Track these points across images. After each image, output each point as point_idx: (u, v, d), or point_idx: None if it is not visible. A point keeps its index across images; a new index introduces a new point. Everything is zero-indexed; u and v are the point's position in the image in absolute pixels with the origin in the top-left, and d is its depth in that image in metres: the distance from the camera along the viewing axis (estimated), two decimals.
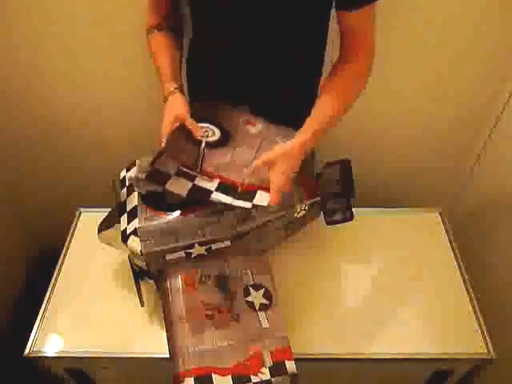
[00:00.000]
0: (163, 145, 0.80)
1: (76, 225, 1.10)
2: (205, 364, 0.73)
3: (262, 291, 0.83)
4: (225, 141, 0.87)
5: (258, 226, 0.84)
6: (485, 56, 1.11)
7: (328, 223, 0.96)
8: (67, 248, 1.05)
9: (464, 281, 0.99)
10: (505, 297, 1.16)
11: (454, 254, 1.04)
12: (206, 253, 0.82)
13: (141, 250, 0.78)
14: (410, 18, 1.04)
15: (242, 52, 0.88)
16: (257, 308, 0.80)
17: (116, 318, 0.92)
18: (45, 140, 1.34)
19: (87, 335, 0.90)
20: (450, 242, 1.06)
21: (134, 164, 0.91)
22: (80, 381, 0.99)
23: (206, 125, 0.88)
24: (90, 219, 1.07)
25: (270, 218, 0.85)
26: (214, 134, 0.87)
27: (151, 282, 0.86)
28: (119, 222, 0.83)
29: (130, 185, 0.87)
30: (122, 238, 0.81)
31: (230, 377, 0.72)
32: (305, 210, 0.92)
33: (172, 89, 0.84)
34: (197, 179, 0.79)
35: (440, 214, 1.12)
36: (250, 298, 0.81)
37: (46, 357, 0.88)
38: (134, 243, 0.79)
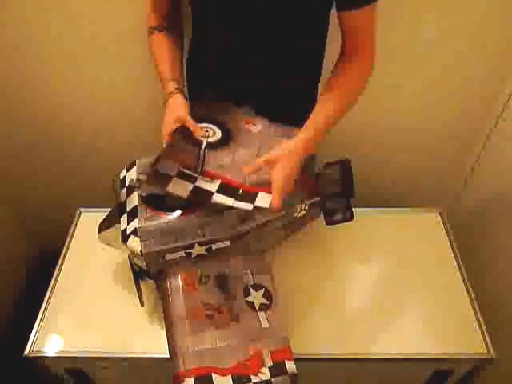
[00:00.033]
0: (164, 146, 0.80)
1: (76, 225, 1.09)
2: (205, 364, 0.73)
3: (261, 291, 0.83)
4: (226, 141, 0.86)
5: (258, 226, 0.84)
6: (485, 56, 1.11)
7: (328, 223, 0.96)
8: (67, 248, 1.05)
9: (464, 281, 0.99)
10: (505, 297, 1.16)
11: (454, 254, 1.04)
12: (206, 253, 0.82)
13: (141, 250, 0.78)
14: (410, 19, 1.04)
15: (242, 52, 0.88)
16: (257, 308, 0.80)
17: (116, 318, 0.92)
18: (45, 140, 1.34)
19: (87, 335, 0.90)
20: (450, 242, 1.06)
21: (134, 164, 0.91)
22: (80, 381, 0.99)
23: (207, 125, 0.87)
24: (90, 219, 1.07)
25: (270, 217, 0.85)
26: (215, 134, 0.87)
27: (151, 281, 0.86)
28: (119, 222, 0.83)
29: (130, 185, 0.87)
30: (122, 237, 0.81)
31: (229, 377, 0.72)
32: (305, 209, 0.92)
33: (172, 89, 0.84)
34: (198, 181, 0.78)
35: (440, 213, 1.12)
36: (250, 298, 0.81)
37: (46, 357, 0.88)
38: (134, 243, 0.79)
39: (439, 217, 1.12)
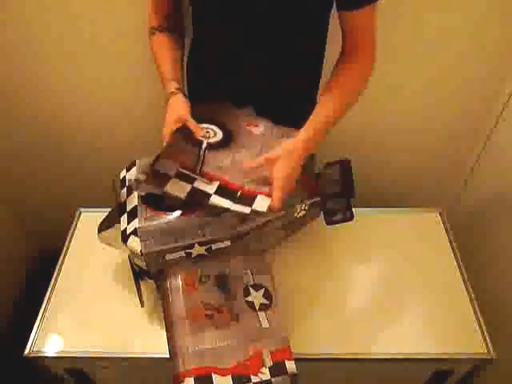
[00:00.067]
0: (164, 145, 0.80)
1: (76, 225, 1.09)
2: (205, 364, 0.73)
3: (262, 291, 0.83)
4: (226, 142, 0.86)
5: (258, 226, 0.84)
6: (485, 56, 1.11)
7: (328, 223, 0.96)
8: (67, 248, 1.05)
9: (464, 281, 0.99)
10: (505, 297, 1.16)
11: (454, 254, 1.04)
12: (206, 253, 0.82)
13: (141, 250, 0.78)
14: (410, 19, 1.04)
15: (242, 52, 0.88)
16: (257, 308, 0.80)
17: (116, 318, 0.92)
18: (45, 140, 1.34)
19: (87, 335, 0.90)
20: (450, 242, 1.06)
21: (134, 164, 0.91)
22: (80, 381, 0.99)
23: (208, 125, 0.87)
24: (90, 219, 1.07)
25: (270, 217, 0.85)
26: (216, 134, 0.86)
27: (151, 281, 0.86)
28: (119, 222, 0.83)
29: (130, 184, 0.87)
30: (122, 237, 0.81)
31: (229, 377, 0.72)
32: (305, 209, 0.92)
33: (173, 89, 0.84)
34: (196, 182, 0.78)
35: (440, 213, 1.12)
36: (250, 298, 0.81)
37: (46, 357, 0.88)
38: (134, 243, 0.79)
39: (439, 217, 1.12)
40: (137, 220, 0.80)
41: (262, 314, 0.79)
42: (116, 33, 1.08)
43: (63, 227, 1.10)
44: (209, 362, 0.73)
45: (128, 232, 0.80)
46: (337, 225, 0.96)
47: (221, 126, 0.88)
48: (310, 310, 0.93)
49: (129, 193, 0.86)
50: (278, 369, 0.73)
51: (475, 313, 0.93)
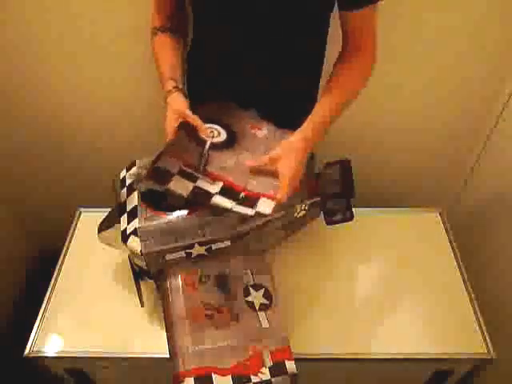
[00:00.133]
0: (167, 143, 0.80)
1: (76, 225, 1.10)
2: (205, 364, 0.73)
3: (262, 291, 0.83)
4: (230, 143, 0.85)
5: (258, 226, 0.84)
6: (485, 56, 1.11)
7: (328, 223, 0.96)
8: (67, 248, 1.05)
9: (464, 281, 0.99)
10: (505, 297, 1.16)
11: (454, 254, 1.04)
12: (206, 253, 0.82)
13: (141, 250, 0.78)
14: (410, 19, 1.04)
15: (242, 52, 0.88)
16: (257, 308, 0.80)
17: (116, 318, 0.92)
18: (45, 140, 1.34)
19: (87, 335, 0.90)
20: (450, 242, 1.06)
21: (134, 164, 0.91)
22: (80, 381, 0.99)
23: (212, 125, 0.86)
24: (90, 219, 1.07)
25: (270, 218, 0.85)
26: (220, 135, 0.86)
27: (151, 281, 0.86)
28: (119, 222, 0.83)
29: (130, 185, 0.87)
30: (122, 237, 0.81)
31: (229, 377, 0.72)
32: (305, 209, 0.92)
33: (170, 88, 0.84)
34: (199, 181, 0.77)
35: (440, 213, 1.12)
36: (250, 298, 0.81)
37: (46, 357, 0.88)
38: (134, 243, 0.79)
39: (439, 217, 1.12)
40: (137, 220, 0.80)
41: (261, 314, 0.79)
42: (116, 33, 1.08)
43: (63, 227, 1.10)
44: (209, 362, 0.73)
45: (128, 232, 0.80)
46: (337, 225, 0.96)
47: (225, 127, 0.87)
48: (310, 309, 0.93)
49: (129, 193, 0.86)
50: (277, 369, 0.74)
51: (475, 313, 0.93)
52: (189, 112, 0.80)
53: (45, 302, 0.95)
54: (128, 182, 0.88)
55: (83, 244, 1.05)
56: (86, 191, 1.42)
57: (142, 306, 0.89)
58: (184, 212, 0.80)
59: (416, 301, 0.96)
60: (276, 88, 0.92)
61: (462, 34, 1.07)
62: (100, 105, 1.25)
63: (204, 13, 0.87)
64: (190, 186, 0.76)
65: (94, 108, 1.26)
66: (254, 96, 0.91)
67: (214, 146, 0.83)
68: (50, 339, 0.90)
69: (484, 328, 0.91)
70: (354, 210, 0.95)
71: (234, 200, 0.76)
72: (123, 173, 0.91)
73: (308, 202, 0.91)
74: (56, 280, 0.99)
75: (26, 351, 0.88)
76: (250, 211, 0.75)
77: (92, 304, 0.94)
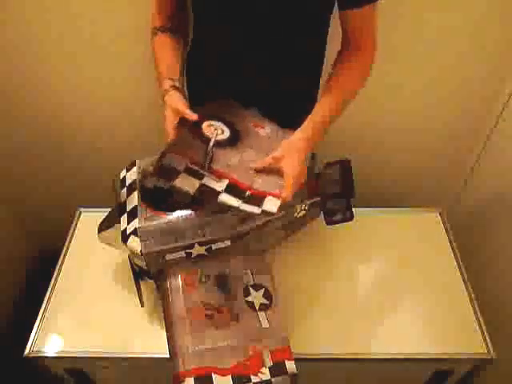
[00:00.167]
0: (169, 142, 0.79)
1: (76, 225, 1.10)
2: (205, 364, 0.73)
3: (262, 291, 0.83)
4: (234, 141, 0.85)
5: (258, 226, 0.84)
6: (485, 56, 1.11)
7: (328, 223, 0.96)
8: (67, 248, 1.05)
9: (464, 281, 0.99)
10: (505, 297, 1.16)
11: (454, 254, 1.04)
12: (206, 253, 0.82)
13: (141, 250, 0.78)
14: (410, 19, 1.04)
15: (242, 52, 0.88)
16: (257, 308, 0.80)
17: (116, 318, 0.92)
18: (45, 140, 1.34)
19: (87, 335, 0.90)
20: (450, 242, 1.06)
21: (134, 164, 0.91)
22: (80, 381, 0.99)
23: (216, 122, 0.85)
24: (90, 219, 1.07)
25: (270, 218, 0.85)
26: (224, 132, 0.85)
27: (151, 281, 0.86)
28: (119, 222, 0.83)
29: (131, 184, 0.87)
30: (122, 237, 0.81)
31: (229, 377, 0.72)
32: (305, 209, 0.92)
33: (167, 87, 0.84)
34: (205, 178, 0.77)
35: (440, 213, 1.12)
36: (250, 298, 0.81)
37: (46, 357, 0.88)
38: (134, 243, 0.79)
39: (439, 217, 1.12)
40: (137, 220, 0.80)
41: (261, 314, 0.79)
42: (116, 33, 1.08)
43: (63, 227, 1.10)
44: (209, 362, 0.73)
45: (128, 232, 0.80)
46: (337, 225, 0.96)
47: (228, 125, 0.87)
48: (310, 309, 0.93)
49: (129, 193, 0.86)
50: (277, 369, 0.74)
51: (475, 313, 0.93)
52: (186, 109, 0.80)
53: (45, 302, 0.95)
54: (128, 182, 0.88)
55: (83, 244, 1.05)
56: (86, 191, 1.42)
57: (142, 306, 0.89)
58: (184, 212, 0.80)
59: (416, 301, 0.96)
60: (276, 88, 0.92)
61: (462, 34, 1.07)
62: (100, 105, 1.25)
63: (204, 13, 0.87)
64: (197, 183, 0.75)
65: (94, 108, 1.26)
66: (254, 96, 0.91)
67: (217, 144, 0.82)
68: (50, 339, 0.90)
69: (484, 328, 0.91)
70: (354, 209, 0.95)
71: (239, 198, 0.76)
72: (123, 173, 0.91)
73: (308, 202, 0.91)
74: (56, 280, 0.99)
75: (26, 351, 0.88)
76: (256, 209, 0.74)
77: (92, 304, 0.94)
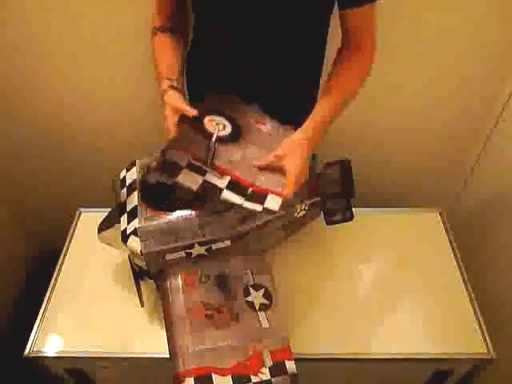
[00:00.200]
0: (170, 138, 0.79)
1: (76, 225, 1.10)
2: (205, 364, 0.73)
3: (262, 291, 0.83)
4: (235, 137, 0.84)
5: (258, 226, 0.84)
6: (485, 56, 1.11)
7: (328, 223, 0.96)
8: (67, 248, 1.05)
9: (464, 281, 0.99)
10: (505, 297, 1.16)
11: (454, 254, 1.04)
12: (206, 253, 0.82)
13: (141, 250, 0.78)
14: (410, 19, 1.04)
15: (242, 52, 0.88)
16: (257, 308, 0.80)
17: (116, 318, 0.92)
18: (45, 140, 1.34)
19: (87, 335, 0.90)
20: (450, 242, 1.06)
21: (134, 164, 0.91)
22: (80, 381, 0.99)
23: (217, 117, 0.85)
24: (90, 219, 1.07)
25: (270, 217, 0.85)
26: (225, 128, 0.84)
27: (151, 281, 0.86)
28: (119, 222, 0.83)
29: (131, 184, 0.87)
30: (122, 237, 0.81)
31: (229, 377, 0.72)
32: (305, 209, 0.92)
33: (166, 87, 0.83)
34: (207, 174, 0.76)
35: (440, 213, 1.12)
36: (250, 298, 0.81)
37: (46, 357, 0.88)
38: (134, 243, 0.79)
39: (439, 217, 1.12)
40: (137, 220, 0.80)
41: (261, 314, 0.79)
42: (116, 33, 1.08)
43: (63, 227, 1.10)
44: (209, 362, 0.73)
45: (128, 232, 0.80)
46: (337, 225, 0.96)
47: (230, 120, 0.86)
48: (310, 309, 0.93)
49: (129, 193, 0.86)
50: (277, 369, 0.74)
51: (475, 313, 0.93)
52: (185, 105, 0.80)
53: (45, 302, 0.95)
54: (128, 181, 0.88)
55: (83, 244, 1.05)
56: (86, 191, 1.42)
57: (142, 305, 0.89)
58: (184, 212, 0.80)
59: (416, 301, 0.96)
60: (276, 88, 0.92)
61: (462, 34, 1.07)
62: (100, 105, 1.25)
63: (204, 13, 0.87)
64: (200, 179, 0.75)
65: (94, 108, 1.26)
66: (254, 96, 0.91)
67: (219, 140, 0.81)
68: (50, 339, 0.90)
69: (484, 328, 0.91)
70: (354, 209, 0.95)
71: (242, 195, 0.75)
72: (123, 173, 0.91)
73: (308, 202, 0.91)
74: (56, 280, 0.99)
75: (26, 351, 0.88)
76: (258, 207, 0.74)
77: (92, 304, 0.94)
